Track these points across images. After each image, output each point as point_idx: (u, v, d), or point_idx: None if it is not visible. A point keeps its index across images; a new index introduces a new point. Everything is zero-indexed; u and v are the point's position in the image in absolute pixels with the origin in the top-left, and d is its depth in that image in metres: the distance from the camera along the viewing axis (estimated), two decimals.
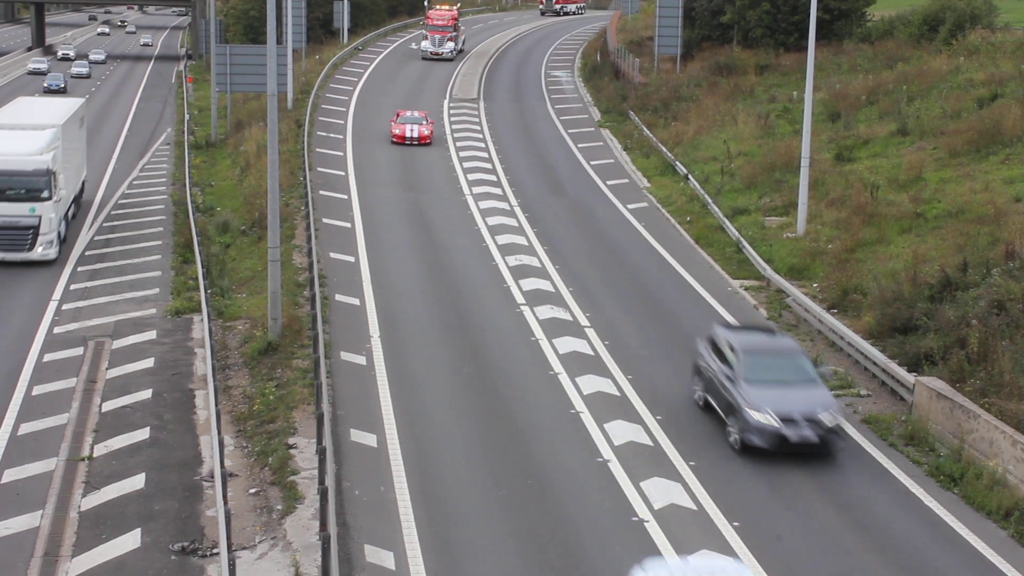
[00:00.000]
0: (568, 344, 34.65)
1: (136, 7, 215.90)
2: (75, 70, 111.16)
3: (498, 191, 54.10)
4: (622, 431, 28.76)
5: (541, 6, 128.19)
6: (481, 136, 66.46)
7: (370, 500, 24.86)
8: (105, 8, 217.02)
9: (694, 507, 25.17)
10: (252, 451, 27.97)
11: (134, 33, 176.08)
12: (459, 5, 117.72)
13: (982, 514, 25.32)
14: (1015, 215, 38.56)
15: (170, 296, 39.78)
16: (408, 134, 63.29)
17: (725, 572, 19.70)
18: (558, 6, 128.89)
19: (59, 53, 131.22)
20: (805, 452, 27.42)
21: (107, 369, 33.29)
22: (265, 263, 36.56)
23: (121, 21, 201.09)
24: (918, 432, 28.80)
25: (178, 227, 49.00)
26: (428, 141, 63.55)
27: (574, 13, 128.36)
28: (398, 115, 65.89)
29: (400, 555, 22.84)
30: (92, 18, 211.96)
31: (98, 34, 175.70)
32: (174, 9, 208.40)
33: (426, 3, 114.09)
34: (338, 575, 20.61)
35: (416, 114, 66.09)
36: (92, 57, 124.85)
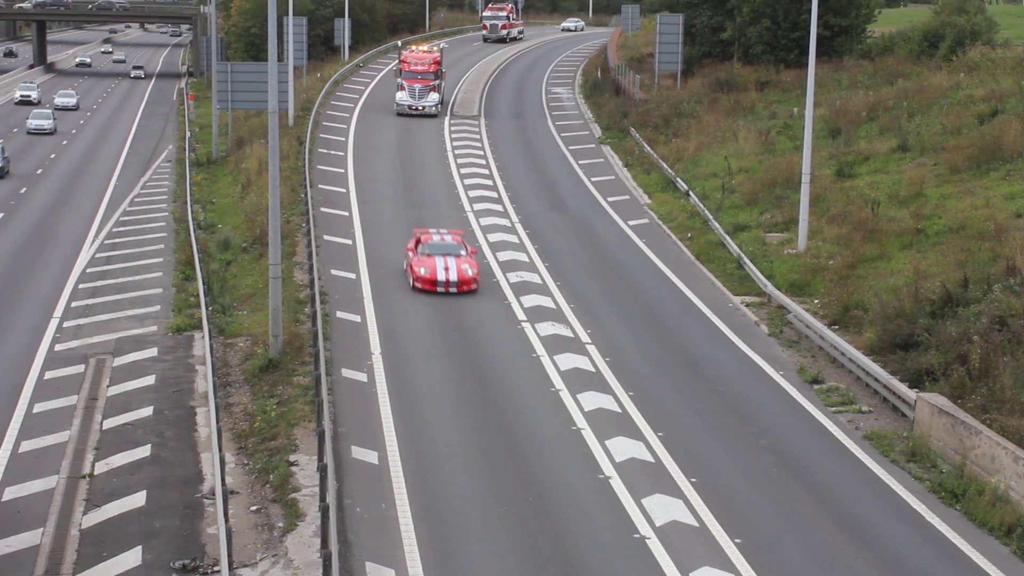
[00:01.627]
0: (569, 360, 34.64)
1: (138, 24, 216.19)
2: (59, 101, 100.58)
3: (499, 207, 54.12)
4: (623, 447, 28.72)
5: (484, 32, 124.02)
6: (482, 152, 66.50)
7: (371, 517, 24.83)
8: (110, 27, 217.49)
9: (696, 524, 25.13)
10: (253, 468, 27.95)
11: (123, 62, 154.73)
12: (441, 45, 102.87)
13: (984, 531, 25.29)
14: (1016, 231, 38.57)
15: (171, 313, 39.78)
16: (441, 277, 40.37)
17: None
18: (505, 31, 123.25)
19: (17, 95, 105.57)
20: None
21: (108, 386, 33.27)
22: (266, 280, 36.57)
23: (104, 47, 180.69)
24: (920, 448, 28.78)
25: (179, 244, 49.04)
26: (473, 287, 40.76)
27: (516, 37, 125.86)
28: (418, 242, 42.23)
29: (401, 572, 22.80)
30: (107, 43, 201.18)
31: (102, 53, 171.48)
32: (171, 29, 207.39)
33: (399, 44, 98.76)
34: None
35: (448, 238, 42.50)
36: (59, 102, 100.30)
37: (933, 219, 42.76)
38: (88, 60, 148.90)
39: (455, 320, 38.25)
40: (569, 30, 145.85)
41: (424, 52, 79.22)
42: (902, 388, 31.15)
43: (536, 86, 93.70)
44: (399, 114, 75.67)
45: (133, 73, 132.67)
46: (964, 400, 29.26)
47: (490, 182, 59.42)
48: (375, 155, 64.69)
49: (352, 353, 34.59)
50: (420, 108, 75.93)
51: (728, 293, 42.27)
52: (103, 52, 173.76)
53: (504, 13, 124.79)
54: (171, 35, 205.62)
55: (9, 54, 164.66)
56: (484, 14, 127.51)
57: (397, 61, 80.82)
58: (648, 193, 57.83)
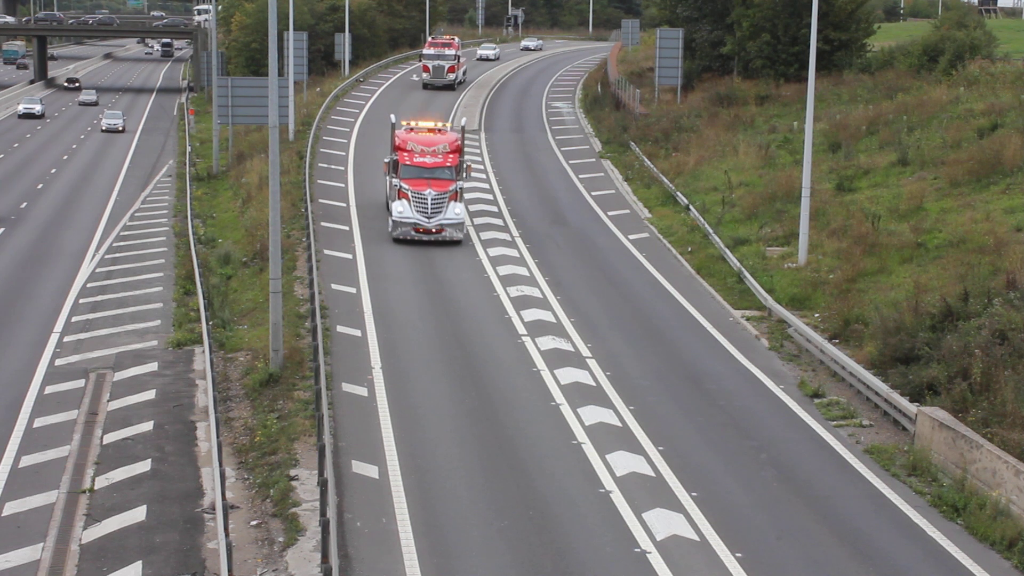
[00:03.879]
0: (570, 375, 34.62)
1: (138, 39, 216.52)
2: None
3: (499, 222, 54.14)
4: (624, 462, 28.69)
5: (426, 75, 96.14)
6: (482, 167, 66.54)
7: (372, 532, 24.80)
8: (113, 42, 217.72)
9: (696, 538, 25.09)
10: (254, 483, 27.92)
11: (94, 104, 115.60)
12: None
13: (985, 545, 25.24)
14: (1016, 245, 38.57)
15: (172, 328, 39.78)
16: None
17: None
18: (452, 76, 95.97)
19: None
20: None
21: (108, 401, 33.26)
22: (266, 294, 36.57)
23: (68, 81, 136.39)
24: (921, 462, 28.75)
25: (180, 259, 49.05)
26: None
27: (462, 81, 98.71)
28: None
29: None
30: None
31: (66, 85, 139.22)
32: (162, 49, 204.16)
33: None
34: None
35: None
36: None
37: (933, 233, 42.77)
38: (37, 109, 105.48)
39: (456, 334, 38.24)
40: (529, 49, 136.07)
41: (434, 132, 51.96)
42: (903, 402, 31.13)
43: (536, 100, 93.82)
44: (397, 240, 49.06)
45: (105, 124, 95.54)
46: (965, 414, 29.23)
47: (490, 196, 59.45)
48: (376, 169, 64.65)
49: (352, 367, 34.58)
50: (435, 232, 48.92)
51: (728, 307, 42.26)
52: (67, 84, 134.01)
53: (451, 51, 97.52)
54: (162, 55, 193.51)
55: (22, 67, 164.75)
56: (425, 51, 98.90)
57: (391, 142, 53.01)
58: (648, 207, 57.86)
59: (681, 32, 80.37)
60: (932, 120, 56.38)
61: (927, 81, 65.91)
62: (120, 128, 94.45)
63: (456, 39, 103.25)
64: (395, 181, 49.53)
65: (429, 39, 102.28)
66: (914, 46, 74.70)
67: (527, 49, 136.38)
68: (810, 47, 45.04)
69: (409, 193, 48.91)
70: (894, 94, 64.00)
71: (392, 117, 55.28)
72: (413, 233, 48.65)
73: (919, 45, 73.72)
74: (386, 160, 51.44)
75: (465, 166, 50.88)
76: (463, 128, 53.40)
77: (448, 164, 50.01)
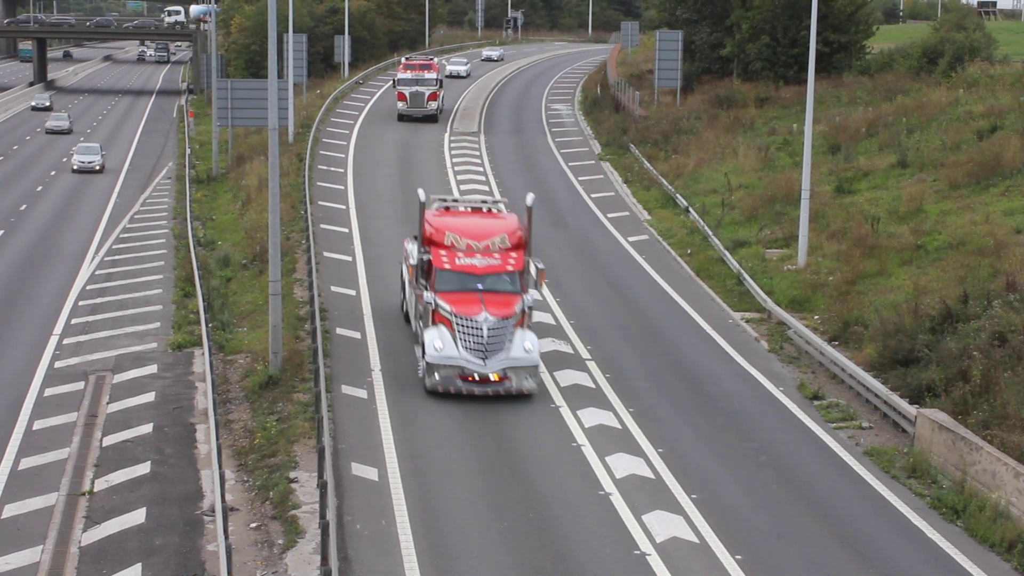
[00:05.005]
0: (569, 377, 34.60)
1: (138, 42, 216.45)
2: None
3: None
4: (624, 464, 28.69)
5: (401, 105, 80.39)
6: (482, 169, 66.56)
7: (372, 534, 24.80)
8: (115, 44, 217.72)
9: (696, 540, 25.09)
10: (253, 485, 27.92)
11: (66, 132, 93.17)
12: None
13: (985, 547, 25.25)
14: (1015, 247, 38.58)
15: (171, 330, 39.77)
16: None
17: None
18: (434, 104, 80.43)
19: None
20: None
21: (108, 403, 33.26)
22: (266, 297, 36.57)
23: (36, 104, 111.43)
24: (920, 464, 28.75)
25: (179, 261, 49.05)
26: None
27: (442, 109, 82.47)
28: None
29: None
30: (67, 54, 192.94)
31: (32, 109, 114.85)
32: (158, 54, 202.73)
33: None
34: None
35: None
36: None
37: (933, 235, 42.79)
38: (64, 125, 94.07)
39: None
40: (492, 59, 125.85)
41: (485, 216, 36.84)
42: (902, 404, 31.13)
43: (536, 102, 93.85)
44: (432, 393, 32.64)
45: (77, 162, 74.46)
46: (965, 416, 29.24)
47: (490, 199, 59.35)
48: (375, 171, 64.75)
49: (352, 370, 34.56)
50: (494, 381, 32.40)
51: (728, 309, 42.26)
52: (34, 107, 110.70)
53: (432, 75, 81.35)
54: (158, 60, 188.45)
55: (67, 55, 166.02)
56: (400, 76, 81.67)
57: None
58: (648, 209, 57.86)
59: (680, 34, 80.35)
60: (932, 122, 56.41)
61: (926, 83, 65.96)
62: (97, 167, 74.08)
63: (435, 59, 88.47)
64: (428, 296, 33.00)
65: (403, 60, 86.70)
66: (913, 48, 74.77)
67: (489, 60, 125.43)
68: (810, 49, 45.07)
69: (452, 318, 32.35)
70: (893, 96, 64.03)
71: (421, 193, 36.45)
72: (459, 383, 32.04)
73: (918, 47, 73.79)
74: (410, 260, 35.86)
75: (537, 269, 34.87)
76: (529, 208, 35.87)
77: (510, 268, 33.82)
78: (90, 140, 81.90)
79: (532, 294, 34.16)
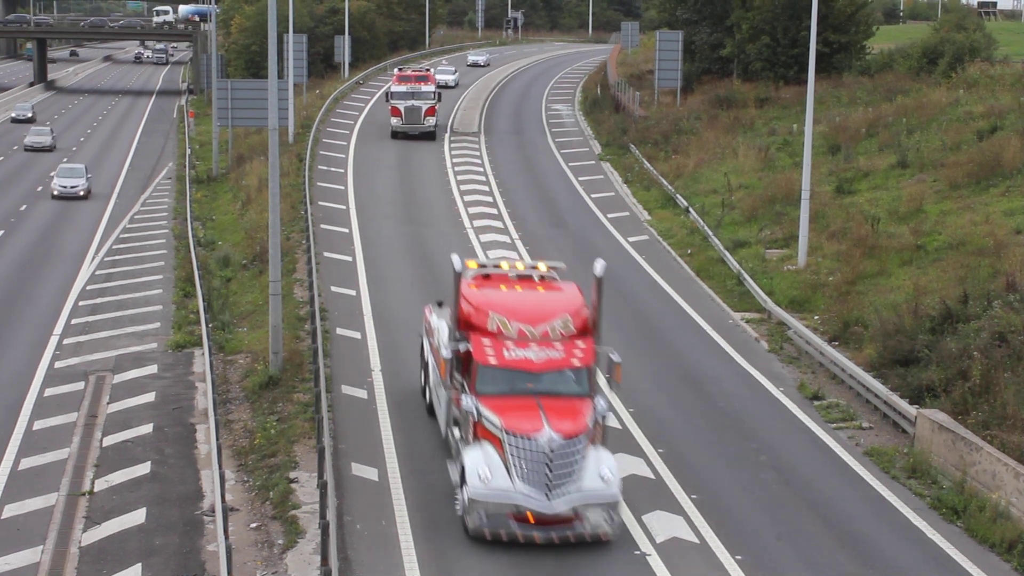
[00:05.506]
0: None
1: (138, 42, 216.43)
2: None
3: (499, 224, 54.14)
4: (624, 464, 28.58)
5: (396, 121, 74.23)
6: (482, 169, 66.57)
7: (372, 534, 24.79)
8: (116, 44, 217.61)
9: (696, 540, 25.09)
10: (253, 485, 27.92)
11: (48, 149, 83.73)
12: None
13: (985, 547, 25.25)
14: (1015, 247, 38.59)
15: (171, 330, 39.77)
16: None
17: None
18: (430, 120, 74.16)
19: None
20: None
21: (108, 403, 33.26)
22: (266, 297, 36.57)
23: (16, 115, 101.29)
24: (920, 465, 28.75)
25: (179, 261, 49.05)
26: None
27: (438, 125, 75.90)
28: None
29: None
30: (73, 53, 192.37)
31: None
32: (157, 57, 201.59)
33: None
34: None
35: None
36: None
37: (933, 235, 42.79)
38: (47, 141, 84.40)
39: None
40: (479, 65, 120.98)
41: (538, 287, 28.67)
42: (902, 404, 31.13)
43: (536, 103, 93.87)
44: (477, 537, 24.51)
45: (57, 187, 64.55)
46: (965, 416, 29.24)
47: (490, 199, 59.45)
48: (375, 172, 64.77)
49: (352, 370, 34.57)
50: (562, 523, 24.32)
51: (728, 309, 42.26)
52: (15, 119, 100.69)
53: (429, 88, 75.27)
54: (156, 61, 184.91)
55: (73, 54, 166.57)
56: (394, 88, 75.53)
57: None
58: (648, 209, 57.87)
59: (681, 34, 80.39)
60: (931, 122, 56.42)
61: (926, 83, 65.99)
62: (81, 192, 64.60)
63: (431, 70, 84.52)
64: (467, 402, 25.24)
65: (396, 71, 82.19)
66: (913, 48, 74.81)
67: (476, 65, 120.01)
68: (810, 49, 45.07)
69: (502, 435, 24.37)
70: (894, 96, 64.06)
71: (456, 260, 27.28)
72: (514, 526, 24.07)
73: (918, 47, 73.83)
74: (434, 339, 29.19)
75: (611, 363, 25.94)
76: (599, 279, 27.19)
77: (577, 362, 25.81)
78: (75, 160, 74.69)
79: (603, 404, 25.48)
